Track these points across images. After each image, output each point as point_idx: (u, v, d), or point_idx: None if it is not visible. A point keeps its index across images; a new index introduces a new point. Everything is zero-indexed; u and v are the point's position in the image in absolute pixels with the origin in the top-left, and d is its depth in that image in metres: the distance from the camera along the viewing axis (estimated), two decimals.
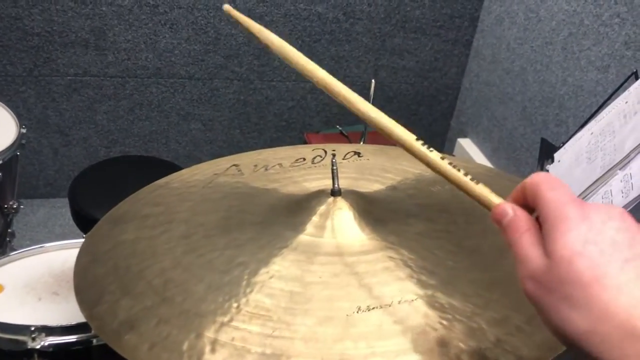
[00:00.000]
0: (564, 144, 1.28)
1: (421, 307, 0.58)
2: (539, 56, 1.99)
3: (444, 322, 0.56)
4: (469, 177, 0.46)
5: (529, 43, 2.03)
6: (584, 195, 1.07)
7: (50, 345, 0.80)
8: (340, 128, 2.17)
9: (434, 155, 0.48)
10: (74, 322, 0.82)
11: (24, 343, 0.80)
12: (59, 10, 1.90)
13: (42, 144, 2.15)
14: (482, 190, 0.46)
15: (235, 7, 2.16)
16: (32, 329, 0.80)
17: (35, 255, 1.01)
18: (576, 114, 1.82)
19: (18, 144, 1.33)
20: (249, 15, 2.12)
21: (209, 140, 2.28)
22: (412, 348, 0.53)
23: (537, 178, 0.44)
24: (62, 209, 2.19)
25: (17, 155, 1.34)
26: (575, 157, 1.19)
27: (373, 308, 0.58)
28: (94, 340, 0.82)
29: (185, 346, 0.54)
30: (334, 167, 0.74)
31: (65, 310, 0.88)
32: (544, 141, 1.38)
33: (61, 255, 1.01)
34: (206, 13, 2.03)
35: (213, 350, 0.54)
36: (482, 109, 2.33)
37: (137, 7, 1.96)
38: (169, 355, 0.54)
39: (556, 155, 1.28)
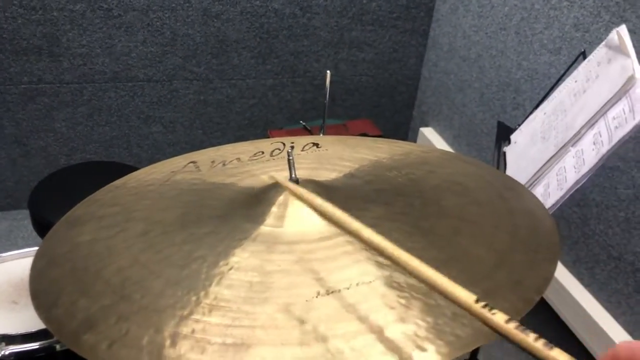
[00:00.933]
0: (519, 125, 1.31)
1: (379, 287, 0.59)
2: (493, 42, 2.02)
3: (402, 300, 0.57)
4: (541, 342, 0.38)
5: (483, 30, 2.07)
6: (540, 172, 1.10)
7: (11, 354, 0.79)
8: (303, 123, 2.17)
9: (497, 319, 0.40)
10: (34, 330, 0.80)
11: None
12: (7, 17, 1.85)
13: (0, 156, 2.10)
14: (557, 355, 0.37)
15: (190, 7, 2.13)
16: None
17: None
18: (532, 96, 1.86)
19: None
20: (204, 15, 2.09)
21: (171, 142, 2.26)
22: (371, 328, 0.54)
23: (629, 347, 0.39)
24: (23, 220, 2.14)
25: None
26: (530, 137, 1.22)
27: (332, 292, 0.59)
28: (57, 346, 0.81)
29: (144, 341, 0.54)
30: (290, 157, 0.74)
31: (25, 318, 0.86)
32: (500, 124, 1.41)
33: (20, 264, 0.99)
34: (161, 14, 2.01)
35: (173, 344, 0.54)
36: (442, 98, 2.37)
37: (90, 11, 1.93)
38: (128, 351, 0.53)
39: (512, 137, 1.31)
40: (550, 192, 1.04)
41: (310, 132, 2.14)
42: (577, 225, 1.71)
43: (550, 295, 1.76)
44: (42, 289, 0.64)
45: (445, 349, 0.52)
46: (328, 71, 1.17)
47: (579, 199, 1.69)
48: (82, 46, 1.98)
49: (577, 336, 1.66)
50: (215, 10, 2.05)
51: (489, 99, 2.07)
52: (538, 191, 1.08)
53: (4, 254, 1.00)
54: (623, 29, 1.10)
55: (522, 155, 1.21)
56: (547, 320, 1.76)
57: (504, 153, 1.30)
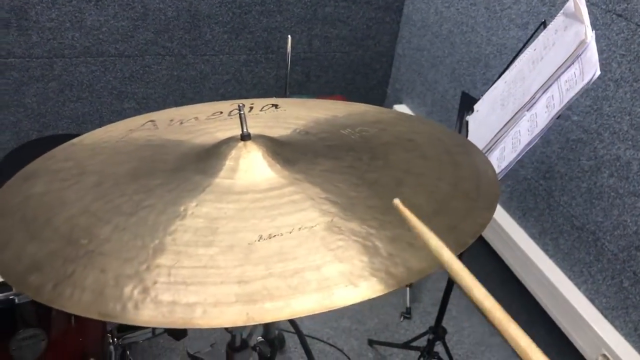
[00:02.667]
0: (483, 95, 1.34)
1: (320, 231, 0.61)
2: (464, 18, 2.04)
3: (341, 242, 0.59)
4: None
5: (454, 6, 2.09)
6: (497, 137, 1.12)
7: None
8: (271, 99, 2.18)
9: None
10: None
11: None
12: None
13: None
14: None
15: None
16: None
17: None
18: (500, 71, 1.88)
19: None
20: None
21: None
22: (309, 267, 0.56)
23: None
24: None
25: None
26: (491, 105, 1.25)
27: (274, 236, 0.60)
28: (17, 299, 0.82)
29: (89, 281, 0.56)
30: (241, 112, 0.75)
31: None
32: (464, 94, 1.43)
33: None
34: None
35: (117, 284, 0.55)
36: (415, 75, 2.38)
37: None
38: (72, 290, 0.55)
39: (475, 107, 1.33)
40: (505, 155, 1.07)
41: None
42: (542, 198, 1.75)
43: (517, 267, 1.80)
44: None
45: (378, 285, 0.54)
46: (289, 36, 1.18)
47: (545, 171, 1.73)
48: (52, 20, 1.96)
49: (541, 305, 1.70)
50: None
51: (460, 75, 2.09)
52: (495, 155, 1.11)
53: None
54: None
55: (483, 122, 1.24)
56: (513, 291, 1.80)
57: (466, 122, 1.33)
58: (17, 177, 0.77)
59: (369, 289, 0.54)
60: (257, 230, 0.61)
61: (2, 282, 0.82)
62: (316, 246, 0.59)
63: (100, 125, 2.21)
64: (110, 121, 2.25)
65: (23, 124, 2.13)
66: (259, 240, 0.60)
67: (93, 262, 0.58)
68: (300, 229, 0.61)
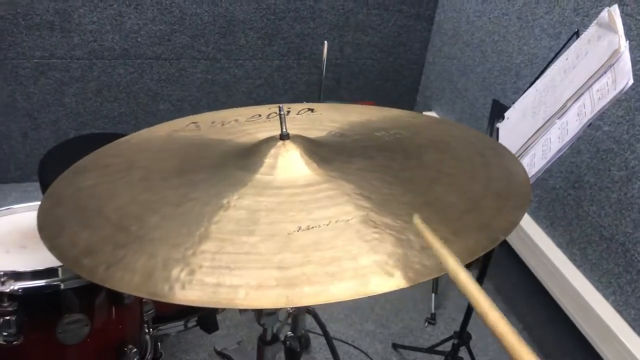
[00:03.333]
0: (514, 103, 1.35)
1: (356, 224, 0.64)
2: (496, 27, 2.06)
3: (376, 235, 0.62)
4: None
5: (486, 15, 2.10)
6: (528, 144, 1.14)
7: (19, 289, 0.85)
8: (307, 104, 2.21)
9: None
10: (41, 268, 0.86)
11: None
12: None
13: (11, 128, 2.16)
14: None
15: None
16: (1, 274, 0.84)
17: (3, 216, 1.05)
18: (532, 80, 1.89)
19: None
20: None
21: None
22: (345, 256, 0.59)
23: None
24: (34, 192, 2.21)
25: None
26: (522, 113, 1.26)
27: (312, 227, 0.63)
28: (62, 285, 0.87)
29: (139, 265, 0.59)
30: (282, 112, 0.79)
31: (33, 261, 0.91)
32: (495, 102, 1.45)
33: (29, 215, 1.04)
34: None
35: (165, 267, 0.59)
36: (445, 82, 2.40)
37: None
38: (123, 273, 0.59)
39: (506, 114, 1.35)
40: (535, 162, 1.08)
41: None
42: (571, 207, 1.75)
43: (543, 276, 1.80)
44: (48, 222, 0.70)
45: (412, 275, 0.57)
46: (325, 42, 1.21)
47: (574, 180, 1.73)
48: (93, 22, 2.03)
49: (567, 315, 1.69)
50: None
51: (491, 84, 2.11)
52: (525, 161, 1.12)
53: (13, 206, 1.06)
54: (615, 8, 1.13)
55: (513, 129, 1.25)
56: (540, 300, 1.80)
57: (497, 129, 1.34)
58: (69, 171, 0.82)
59: (403, 278, 0.56)
60: (296, 221, 0.65)
61: (49, 268, 0.87)
62: (352, 238, 0.61)
63: (136, 125, 2.29)
64: (146, 122, 2.33)
65: (62, 122, 2.21)
66: (297, 231, 0.63)
67: (143, 248, 0.62)
68: (336, 221, 0.64)
